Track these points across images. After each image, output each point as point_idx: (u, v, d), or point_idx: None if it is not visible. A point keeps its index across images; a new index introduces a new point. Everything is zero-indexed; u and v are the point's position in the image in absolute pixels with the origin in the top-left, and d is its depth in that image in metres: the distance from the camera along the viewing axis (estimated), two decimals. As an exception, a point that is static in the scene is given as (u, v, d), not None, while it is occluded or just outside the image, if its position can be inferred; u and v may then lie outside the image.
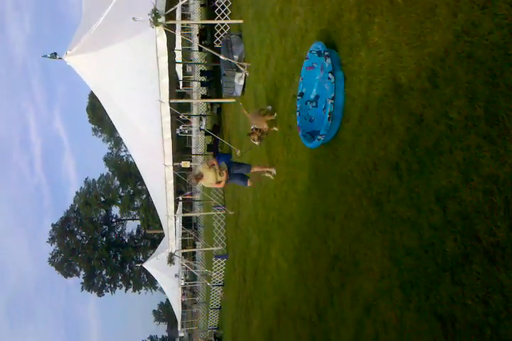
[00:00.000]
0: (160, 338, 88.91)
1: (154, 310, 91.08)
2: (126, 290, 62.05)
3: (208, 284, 21.37)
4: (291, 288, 7.97)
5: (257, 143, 9.42)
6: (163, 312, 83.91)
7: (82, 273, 58.51)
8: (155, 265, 26.54)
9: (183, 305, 34.34)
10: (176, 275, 25.81)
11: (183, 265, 24.28)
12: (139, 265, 26.97)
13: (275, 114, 9.19)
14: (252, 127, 9.46)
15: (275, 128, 9.23)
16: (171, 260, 18.18)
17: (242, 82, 14.06)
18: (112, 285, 60.99)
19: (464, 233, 3.04)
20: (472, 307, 2.93)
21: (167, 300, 54.06)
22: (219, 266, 19.05)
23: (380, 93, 4.49)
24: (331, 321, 5.93)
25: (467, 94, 3.10)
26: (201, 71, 28.23)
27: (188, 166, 19.50)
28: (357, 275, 4.99)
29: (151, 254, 35.31)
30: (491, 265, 2.78)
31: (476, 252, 2.92)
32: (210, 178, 9.61)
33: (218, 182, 9.76)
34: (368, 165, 4.72)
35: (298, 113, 6.56)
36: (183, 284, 28.94)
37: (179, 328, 44.22)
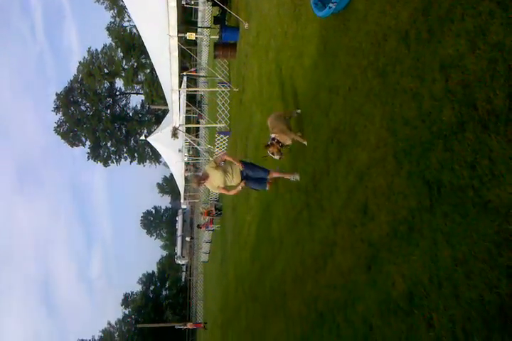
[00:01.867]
0: (163, 209, 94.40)
1: (158, 183, 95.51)
2: (131, 162, 64.18)
3: (211, 159, 22.08)
4: (289, 162, 8.29)
5: (276, 157, 7.28)
6: (167, 185, 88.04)
7: (88, 143, 60.02)
8: (159, 139, 27.14)
9: (186, 180, 35.82)
10: (179, 150, 26.50)
11: (186, 140, 24.83)
12: (144, 138, 27.45)
13: (303, 139, 7.20)
14: (271, 136, 7.15)
15: (304, 142, 7.10)
16: (174, 134, 18.52)
17: None
18: (117, 157, 62.98)
19: (463, 102, 3.09)
20: (459, 172, 3.11)
21: (171, 174, 56.32)
22: (222, 142, 19.48)
23: (400, -45, 4.19)
24: (324, 190, 6.28)
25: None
26: None
27: (194, 38, 18.82)
28: (354, 146, 5.17)
29: (155, 129, 35.79)
30: (483, 132, 2.89)
31: (471, 120, 3.00)
32: (217, 180, 7.53)
33: (225, 189, 7.82)
34: (378, 36, 4.60)
35: (311, -20, 6.18)
36: (186, 159, 29.89)
37: (182, 201, 46.66)
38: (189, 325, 38.56)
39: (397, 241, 4.03)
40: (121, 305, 64.36)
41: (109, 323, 64.28)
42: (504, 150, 2.69)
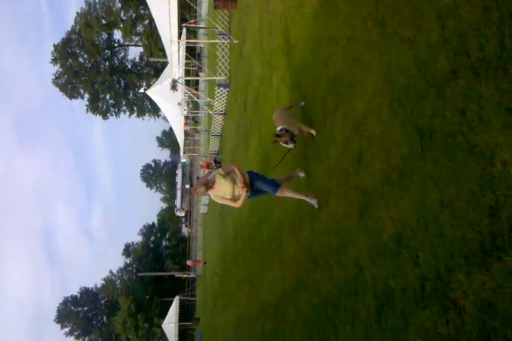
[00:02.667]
0: (163, 162, 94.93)
1: (158, 137, 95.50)
2: (130, 115, 63.91)
3: (210, 113, 22.05)
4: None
5: (290, 145, 6.68)
6: (167, 139, 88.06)
7: (86, 96, 59.52)
8: (158, 92, 26.94)
9: (186, 133, 35.85)
10: (178, 104, 26.37)
11: (185, 93, 24.66)
12: (143, 91, 27.24)
13: (312, 131, 6.73)
14: (279, 128, 6.74)
15: (312, 131, 6.71)
16: (174, 86, 18.44)
17: None
18: (116, 110, 62.66)
19: (457, 50, 3.17)
20: (450, 119, 3.24)
21: (170, 128, 56.24)
22: (221, 95, 19.40)
23: None
24: (321, 140, 6.42)
25: None
26: None
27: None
28: (351, 97, 5.26)
29: (154, 82, 35.42)
30: (474, 79, 2.99)
31: (463, 67, 3.10)
32: (224, 190, 6.62)
33: (234, 200, 6.76)
34: (379, -16, 4.59)
35: None
36: (185, 113, 29.80)
37: (181, 154, 46.83)
38: (188, 262, 40.07)
39: (388, 187, 4.21)
40: (123, 255, 66.17)
41: (110, 272, 66.20)
42: (493, 96, 2.80)
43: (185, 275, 43.09)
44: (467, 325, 2.98)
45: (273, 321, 9.47)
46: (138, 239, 69.16)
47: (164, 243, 68.09)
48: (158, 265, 60.50)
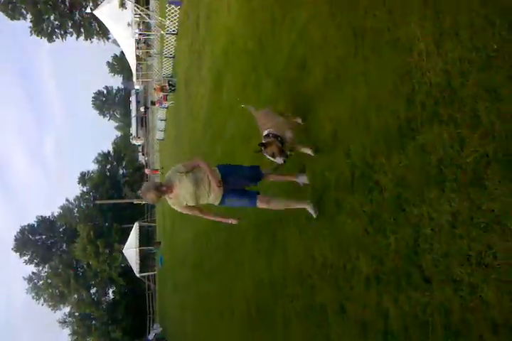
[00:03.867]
0: (116, 89, 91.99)
1: (108, 62, 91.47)
2: (77, 37, 60.65)
3: (162, 33, 21.38)
4: (239, 26, 8.39)
5: (278, 160, 4.66)
6: (118, 64, 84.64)
7: (29, 16, 55.70)
8: (107, 12, 25.67)
9: (138, 58, 34.67)
10: (128, 24, 25.30)
11: (136, 14, 23.65)
12: (89, 12, 25.90)
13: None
14: (265, 133, 4.78)
15: (309, 152, 4.92)
16: (122, 3, 17.66)
17: None
18: (62, 32, 59.21)
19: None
20: (379, 17, 3.52)
21: (121, 52, 53.94)
22: (173, 13, 18.78)
23: None
24: (270, 51, 6.60)
25: None
26: None
27: None
28: (297, 5, 5.40)
29: (101, 2, 33.49)
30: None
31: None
32: (184, 194, 4.70)
33: (201, 210, 4.99)
34: None
35: None
36: (136, 36, 28.65)
37: (134, 80, 45.44)
38: (147, 171, 41.02)
39: (327, 89, 4.54)
40: (79, 183, 65.69)
41: (67, 200, 66.11)
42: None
43: (143, 202, 43.72)
44: (386, 200, 3.46)
45: (226, 231, 10.09)
46: (93, 167, 68.60)
47: (121, 171, 67.96)
48: (115, 193, 60.80)
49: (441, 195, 2.74)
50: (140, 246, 40.00)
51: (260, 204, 4.80)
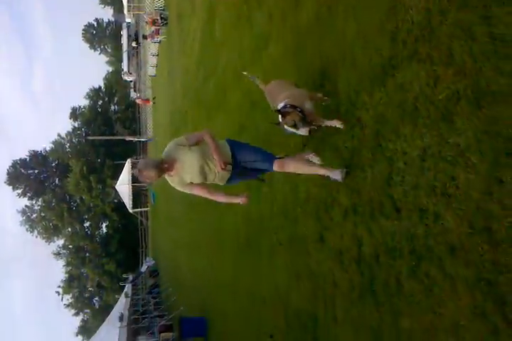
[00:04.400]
0: (106, 22, 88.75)
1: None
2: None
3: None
4: None
5: (302, 131, 3.87)
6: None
7: None
8: None
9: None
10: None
11: None
12: None
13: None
14: (281, 105, 3.84)
15: (337, 125, 3.99)
16: None
17: None
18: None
19: None
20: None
21: (112, -19, 51.53)
22: None
23: None
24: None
25: None
26: None
27: None
28: None
29: None
30: None
31: None
32: (191, 169, 3.97)
33: (206, 186, 4.18)
34: None
35: None
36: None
37: (125, 12, 43.88)
38: (138, 101, 40.79)
39: (317, 24, 4.57)
40: (70, 118, 65.05)
41: (59, 135, 65.68)
42: None
43: (136, 139, 43.78)
44: (366, 136, 3.63)
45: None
46: (85, 102, 67.69)
47: (112, 107, 67.17)
48: (107, 129, 60.48)
49: (415, 131, 2.91)
50: (133, 182, 40.51)
51: (278, 168, 4.06)
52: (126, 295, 23.69)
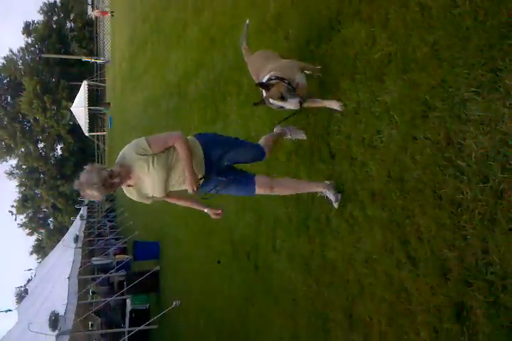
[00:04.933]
0: None
1: None
2: None
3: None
4: None
5: (292, 103, 3.20)
6: None
7: None
8: None
9: None
10: None
11: None
12: None
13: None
14: (265, 78, 3.29)
15: (336, 107, 3.39)
16: None
17: None
18: None
19: None
20: None
21: None
22: None
23: None
24: None
25: None
26: None
27: None
28: None
29: None
30: None
31: None
32: (151, 183, 3.23)
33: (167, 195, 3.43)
34: None
35: None
36: None
37: None
38: (94, 13, 38.95)
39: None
40: (23, 34, 61.29)
41: (10, 51, 62.02)
42: None
43: (93, 60, 42.10)
44: (310, 85, 3.88)
45: (176, 99, 10.41)
46: (39, 17, 63.48)
47: (68, 24, 63.40)
48: (63, 48, 57.53)
49: (352, 86, 3.19)
50: (89, 105, 39.54)
51: (260, 191, 3.44)
52: (82, 218, 24.08)
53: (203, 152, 3.28)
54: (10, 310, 20.91)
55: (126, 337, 10.89)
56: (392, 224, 2.85)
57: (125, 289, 12.24)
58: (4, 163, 64.04)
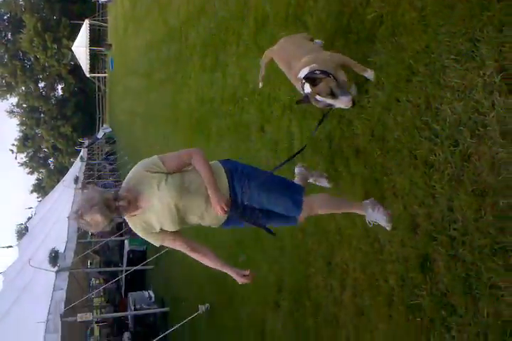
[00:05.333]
0: None
1: None
2: None
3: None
4: None
5: (342, 101, 2.63)
6: None
7: None
8: None
9: None
10: None
11: None
12: None
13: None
14: (306, 71, 2.70)
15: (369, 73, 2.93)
16: None
17: None
18: None
19: None
20: None
21: None
22: None
23: None
24: None
25: None
26: None
27: None
28: None
29: None
30: None
31: None
32: (160, 212, 2.58)
33: (182, 241, 2.82)
34: None
35: None
36: None
37: None
38: None
39: None
40: (23, -33, 59.05)
41: (10, -15, 60.12)
42: None
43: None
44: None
45: (177, 44, 10.30)
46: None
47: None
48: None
49: (345, 45, 3.26)
50: (90, 45, 38.76)
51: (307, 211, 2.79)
52: (82, 159, 24.27)
53: (228, 182, 2.69)
54: (11, 246, 21.66)
55: (123, 275, 11.43)
56: (373, 173, 3.01)
57: (123, 230, 12.68)
58: (5, 101, 63.53)
